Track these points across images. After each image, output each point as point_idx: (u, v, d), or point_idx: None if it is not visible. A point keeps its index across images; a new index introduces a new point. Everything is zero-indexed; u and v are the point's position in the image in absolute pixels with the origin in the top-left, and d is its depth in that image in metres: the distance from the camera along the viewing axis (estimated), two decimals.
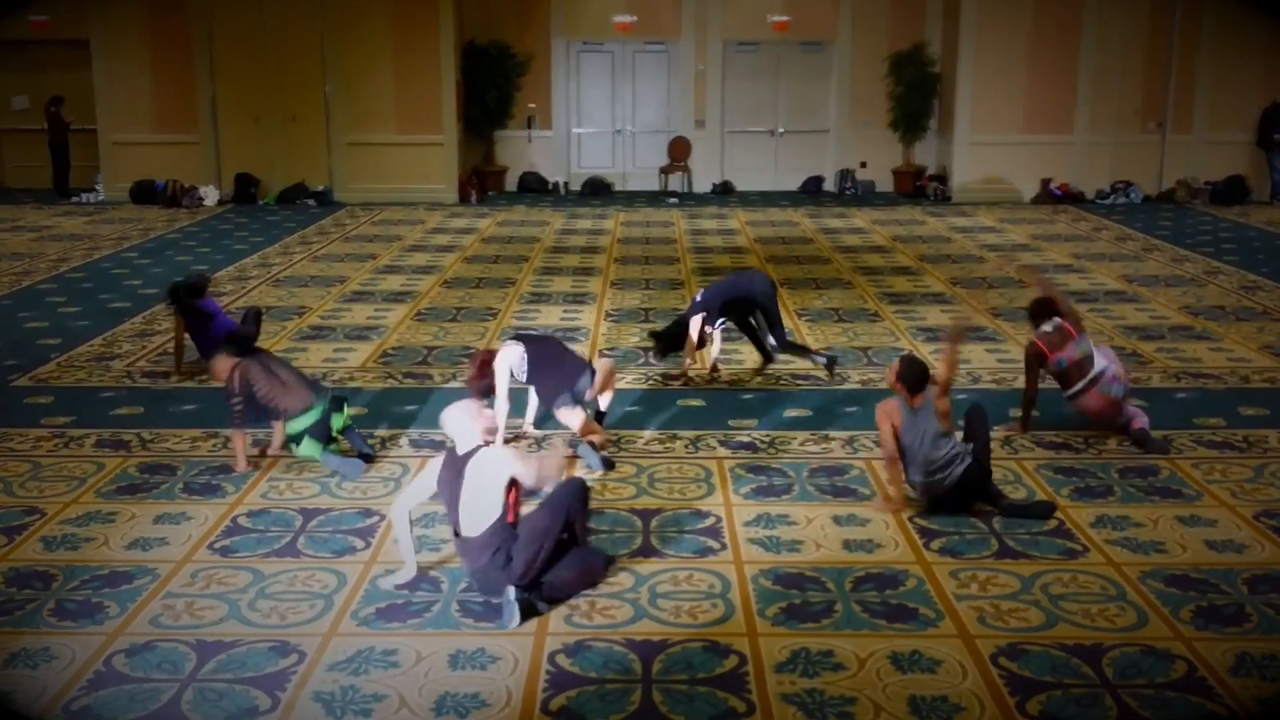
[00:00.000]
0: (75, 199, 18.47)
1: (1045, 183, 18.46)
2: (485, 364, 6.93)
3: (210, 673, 4.57)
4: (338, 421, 6.89)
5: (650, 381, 8.62)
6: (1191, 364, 9.01)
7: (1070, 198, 18.33)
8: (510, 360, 7.02)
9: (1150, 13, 18.32)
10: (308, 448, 6.76)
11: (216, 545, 5.75)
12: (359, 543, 5.77)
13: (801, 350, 8.90)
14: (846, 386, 8.47)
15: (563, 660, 4.68)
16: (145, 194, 18.18)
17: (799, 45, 19.72)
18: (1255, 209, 17.60)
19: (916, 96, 18.90)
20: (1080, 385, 7.15)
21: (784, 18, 19.38)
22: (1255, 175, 18.47)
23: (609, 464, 6.80)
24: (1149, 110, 18.61)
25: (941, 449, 6.04)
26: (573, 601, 5.16)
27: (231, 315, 9.35)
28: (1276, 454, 7.02)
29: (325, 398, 6.90)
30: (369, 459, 6.85)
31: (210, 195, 18.19)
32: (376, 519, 6.06)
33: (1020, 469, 6.78)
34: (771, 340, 8.72)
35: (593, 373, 7.09)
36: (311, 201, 18.01)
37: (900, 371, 6.14)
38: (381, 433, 7.37)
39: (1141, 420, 7.20)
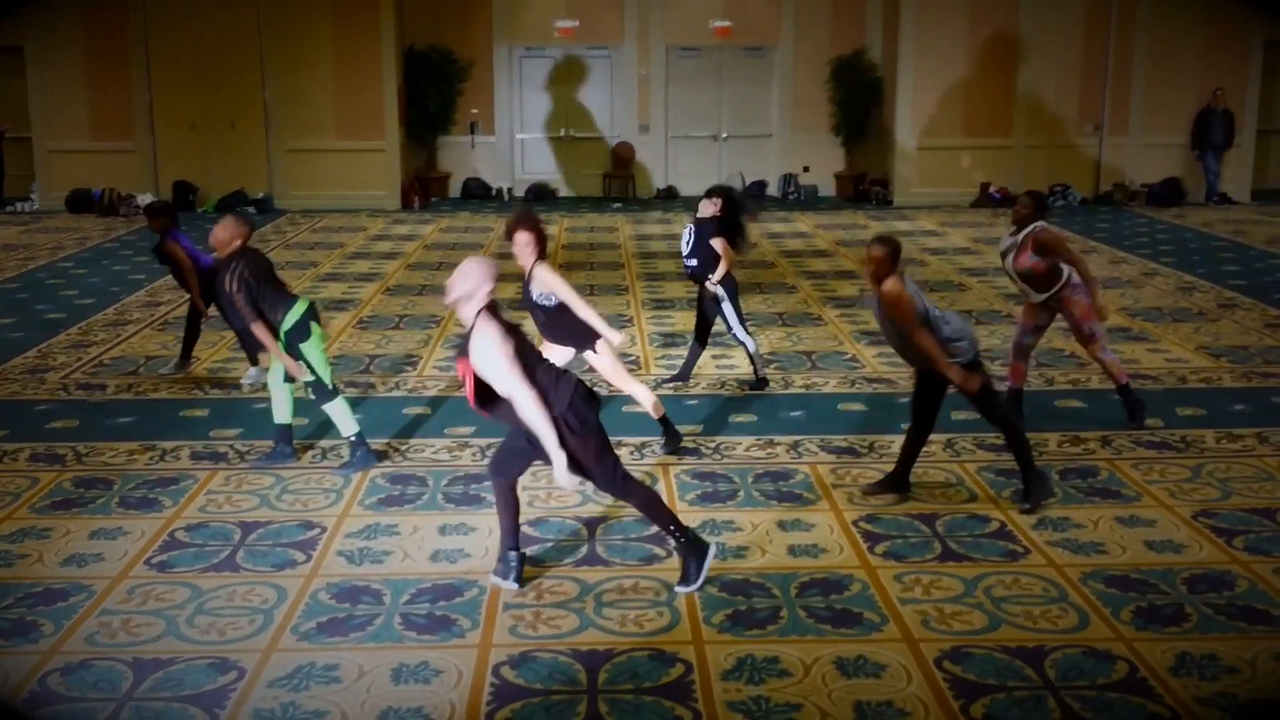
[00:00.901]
0: (9, 208, 18.15)
1: (984, 186, 18.66)
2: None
3: (147, 691, 4.48)
4: (317, 331, 6.81)
5: (594, 388, 8.56)
6: (1129, 365, 9.11)
7: (1009, 201, 18.48)
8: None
9: (1086, 18, 18.58)
10: (315, 342, 6.75)
11: (154, 560, 5.65)
12: (299, 556, 5.69)
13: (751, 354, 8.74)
14: (791, 391, 8.49)
15: (507, 672, 4.64)
16: (81, 203, 17.89)
17: (741, 50, 19.79)
18: (1191, 211, 17.90)
19: (858, 102, 19.03)
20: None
21: (726, 23, 19.44)
22: (1191, 177, 18.79)
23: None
24: (1086, 114, 18.88)
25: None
26: (517, 612, 5.13)
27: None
28: (1214, 454, 7.13)
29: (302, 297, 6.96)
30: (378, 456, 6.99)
31: (148, 203, 17.90)
32: (317, 531, 5.98)
33: (962, 471, 6.83)
34: (733, 329, 8.39)
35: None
36: (251, 209, 17.78)
37: (891, 251, 6.09)
38: (324, 443, 7.28)
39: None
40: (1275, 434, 7.46)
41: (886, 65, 18.91)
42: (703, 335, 8.58)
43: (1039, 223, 7.38)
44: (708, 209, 8.31)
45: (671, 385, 8.54)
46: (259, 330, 6.67)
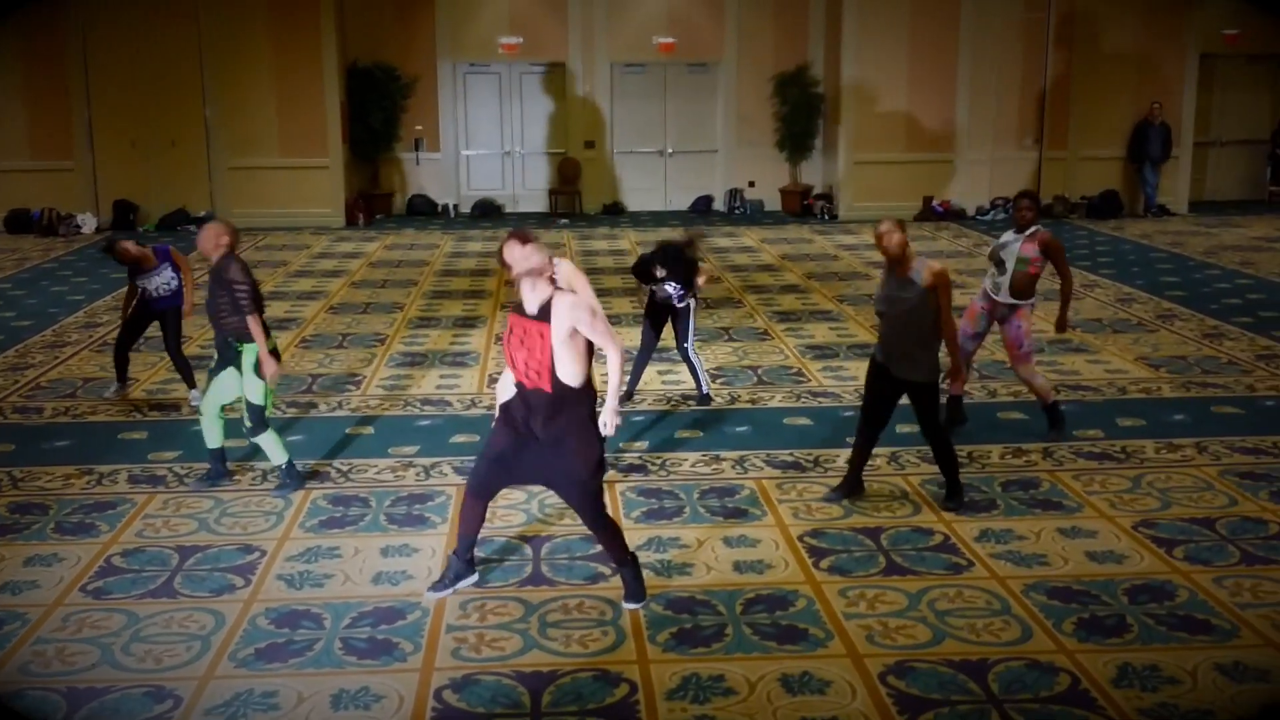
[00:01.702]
0: None
1: (927, 200, 18.83)
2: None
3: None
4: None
5: None
6: (1070, 376, 9.22)
7: (951, 214, 18.72)
8: None
9: (1024, 33, 18.82)
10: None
11: (89, 587, 5.53)
12: (238, 580, 5.59)
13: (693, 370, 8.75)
14: (737, 406, 8.49)
15: (449, 696, 4.58)
16: (20, 223, 17.59)
17: (685, 66, 19.85)
18: (1130, 222, 18.16)
19: (801, 116, 19.15)
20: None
21: (670, 39, 19.50)
22: (1129, 190, 19.08)
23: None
24: (1025, 128, 19.11)
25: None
26: (460, 634, 5.07)
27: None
28: (1154, 464, 7.21)
29: None
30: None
31: (88, 223, 17.67)
32: (257, 555, 5.89)
33: (906, 484, 6.86)
34: (689, 343, 8.47)
35: None
36: (193, 227, 17.52)
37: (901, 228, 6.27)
38: (265, 465, 7.18)
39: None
40: (1214, 443, 7.56)
41: (829, 80, 19.05)
42: (650, 348, 8.56)
43: (1039, 226, 7.55)
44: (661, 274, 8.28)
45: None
46: (255, 324, 6.65)
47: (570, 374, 5.10)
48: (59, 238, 17.05)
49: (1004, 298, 7.51)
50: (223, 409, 6.85)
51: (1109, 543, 6.04)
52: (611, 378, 5.26)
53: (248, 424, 6.73)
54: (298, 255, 15.46)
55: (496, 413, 5.52)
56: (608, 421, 5.23)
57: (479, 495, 5.38)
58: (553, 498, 6.66)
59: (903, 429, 7.88)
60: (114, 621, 5.18)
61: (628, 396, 8.51)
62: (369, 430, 7.96)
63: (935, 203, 18.80)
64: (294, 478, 6.80)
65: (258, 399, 6.70)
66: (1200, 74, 19.24)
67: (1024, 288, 7.48)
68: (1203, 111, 19.65)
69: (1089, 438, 7.67)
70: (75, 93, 17.76)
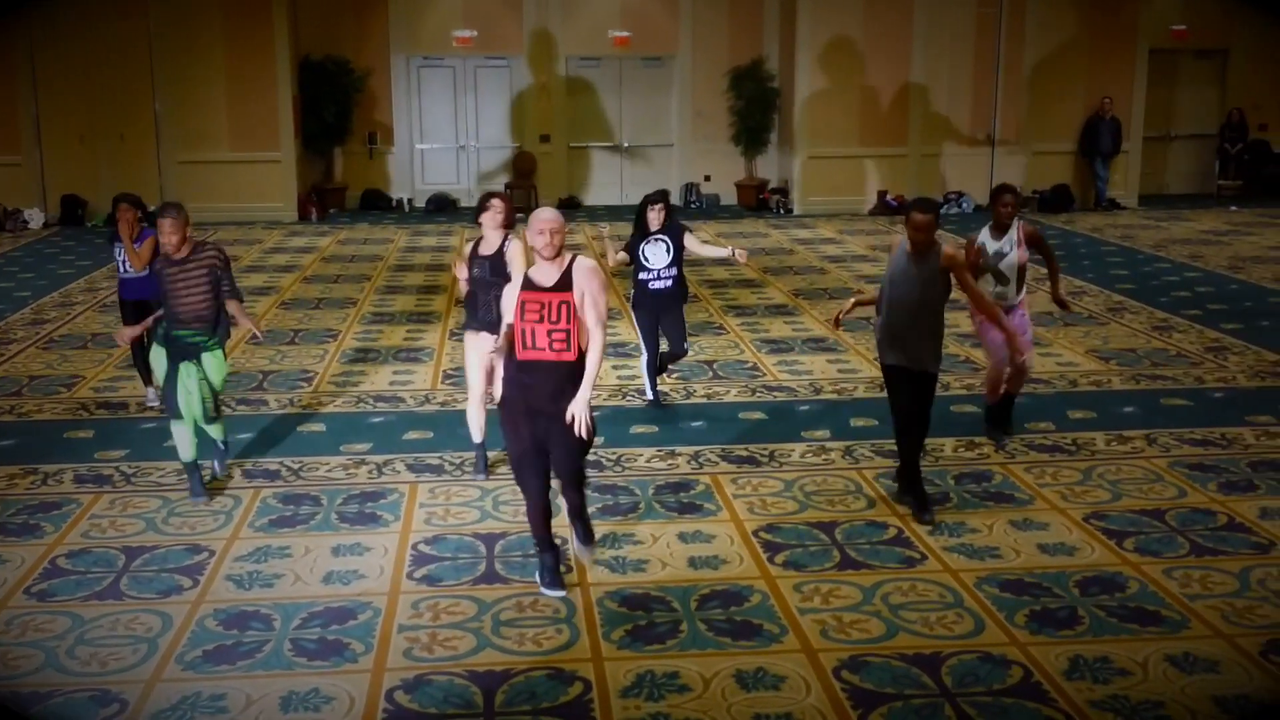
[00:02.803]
0: None
1: (881, 194, 18.92)
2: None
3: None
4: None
5: (495, 402, 8.47)
6: None
7: (905, 208, 18.75)
8: None
9: (976, 28, 18.93)
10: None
11: (34, 589, 5.43)
12: (186, 581, 5.51)
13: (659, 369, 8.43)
14: (692, 401, 8.47)
15: (401, 697, 4.53)
16: None
17: (640, 60, 19.81)
18: (1080, 216, 18.33)
19: (757, 111, 19.16)
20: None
21: (624, 33, 19.45)
22: (1079, 184, 19.26)
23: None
24: (978, 123, 19.24)
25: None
26: (412, 634, 5.02)
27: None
28: (1104, 456, 7.26)
29: None
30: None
31: (35, 218, 17.38)
32: (205, 555, 5.80)
33: (860, 478, 6.87)
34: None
35: None
36: (144, 222, 17.29)
37: (937, 214, 6.18)
38: (209, 462, 7.07)
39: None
40: (1163, 435, 7.64)
41: (784, 75, 19.08)
42: (657, 345, 8.24)
43: (1019, 220, 7.43)
44: (656, 218, 7.97)
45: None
46: (237, 307, 6.63)
47: (584, 341, 5.16)
48: (5, 233, 16.76)
49: (1012, 301, 7.27)
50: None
51: (1060, 535, 6.08)
52: (590, 367, 5.17)
53: (210, 413, 6.57)
54: (249, 250, 15.29)
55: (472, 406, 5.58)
56: (577, 415, 5.08)
57: (542, 500, 5.35)
58: (507, 494, 6.62)
59: (858, 423, 7.91)
60: (59, 624, 5.08)
61: (656, 404, 8.22)
62: (320, 427, 7.88)
63: (889, 197, 18.88)
64: (197, 479, 6.54)
65: (220, 385, 6.68)
66: (1150, 69, 19.44)
67: (1022, 282, 7.36)
68: (1152, 106, 19.85)
69: (1040, 430, 7.72)
70: (22, 86, 17.45)
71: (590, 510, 6.35)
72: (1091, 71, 19.10)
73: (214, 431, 6.72)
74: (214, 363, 6.60)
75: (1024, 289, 7.39)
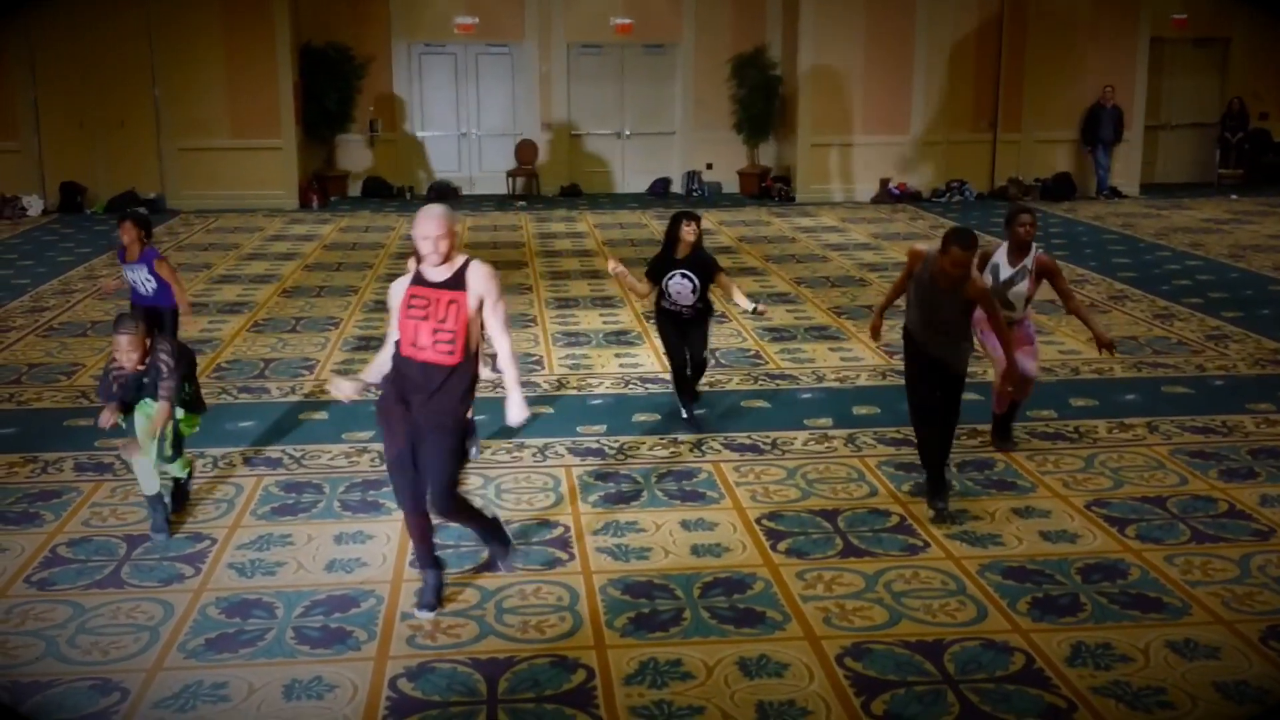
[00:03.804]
0: None
1: (884, 182, 18.89)
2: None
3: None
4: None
5: (497, 390, 8.48)
6: None
7: (908, 197, 18.78)
8: None
9: (978, 17, 18.89)
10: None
11: (34, 578, 5.42)
12: (188, 570, 5.50)
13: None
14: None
15: (405, 685, 4.53)
16: None
17: (642, 48, 19.77)
18: (1082, 204, 18.30)
19: (759, 99, 19.11)
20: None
21: (627, 20, 19.40)
22: (1081, 172, 19.22)
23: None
24: (980, 112, 19.20)
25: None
26: (415, 622, 5.02)
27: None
28: (1106, 444, 7.26)
29: None
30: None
31: (34, 205, 17.36)
32: (207, 543, 5.80)
33: (863, 466, 6.87)
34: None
35: None
36: (143, 209, 17.26)
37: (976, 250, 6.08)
38: (215, 451, 7.08)
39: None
40: (1165, 423, 7.63)
41: (786, 63, 19.03)
42: (684, 360, 7.57)
43: (1037, 246, 7.05)
44: (691, 233, 7.32)
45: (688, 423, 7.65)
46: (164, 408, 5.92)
47: (472, 347, 4.94)
48: (4, 220, 16.73)
49: (1017, 318, 7.00)
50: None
51: (1062, 522, 6.07)
52: (508, 371, 5.06)
53: (167, 451, 5.93)
54: (250, 238, 15.27)
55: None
56: (516, 414, 5.05)
57: (417, 509, 5.04)
58: (509, 481, 6.62)
59: (860, 410, 7.91)
60: (59, 613, 5.07)
61: (690, 423, 7.56)
62: (322, 415, 7.87)
63: (891, 185, 18.86)
64: (161, 516, 5.91)
65: (185, 429, 6.08)
66: (1150, 58, 19.39)
67: (1028, 303, 7.09)
68: (1153, 95, 19.82)
69: (1042, 418, 7.71)
70: (20, 72, 17.40)
71: (593, 498, 6.37)
72: (1093, 60, 19.06)
73: (175, 469, 6.12)
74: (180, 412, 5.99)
75: (1027, 308, 7.15)
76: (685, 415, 7.64)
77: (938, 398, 6.18)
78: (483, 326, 5.03)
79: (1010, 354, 6.31)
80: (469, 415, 5.10)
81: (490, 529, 5.34)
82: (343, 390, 5.10)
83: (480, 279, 4.90)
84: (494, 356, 5.31)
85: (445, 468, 4.94)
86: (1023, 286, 6.94)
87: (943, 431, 6.24)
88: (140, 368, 5.76)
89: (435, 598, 5.12)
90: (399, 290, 4.99)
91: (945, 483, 6.24)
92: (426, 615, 5.06)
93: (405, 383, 4.92)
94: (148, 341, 5.78)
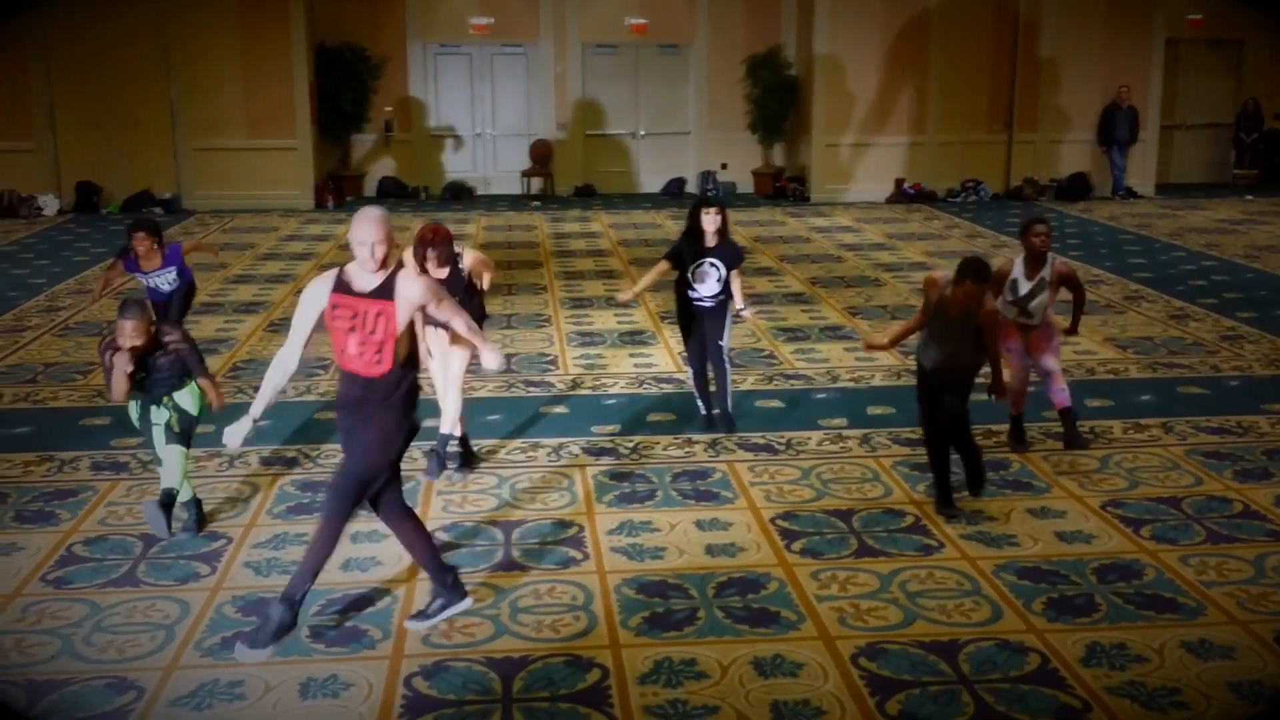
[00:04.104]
0: None
1: (899, 182, 18.85)
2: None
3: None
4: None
5: (512, 390, 8.50)
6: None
7: (923, 197, 18.74)
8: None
9: (994, 16, 18.85)
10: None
11: (50, 577, 5.45)
12: (204, 568, 5.53)
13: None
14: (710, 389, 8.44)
15: (420, 684, 4.54)
16: None
17: (657, 48, 19.76)
18: (1098, 205, 18.24)
19: (773, 99, 19.09)
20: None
21: (641, 20, 19.40)
22: (1097, 172, 19.15)
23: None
24: (995, 111, 19.15)
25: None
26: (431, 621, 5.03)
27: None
28: (1121, 444, 7.24)
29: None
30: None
31: (50, 205, 17.43)
32: (223, 542, 5.82)
33: (878, 466, 6.86)
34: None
35: None
36: (159, 209, 17.36)
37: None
38: (230, 450, 7.09)
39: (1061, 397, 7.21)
40: (1180, 423, 7.60)
41: (801, 62, 19.01)
42: (704, 356, 7.49)
43: (1053, 255, 7.03)
44: (712, 223, 7.21)
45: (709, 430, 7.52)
46: (207, 384, 6.04)
47: (402, 356, 4.70)
48: (19, 220, 16.81)
49: (1036, 322, 7.03)
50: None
51: (1077, 523, 6.06)
52: (471, 335, 5.03)
53: (175, 429, 5.90)
54: (266, 238, 15.32)
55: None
56: (491, 360, 5.01)
57: (334, 539, 4.79)
58: (524, 481, 6.63)
59: (875, 410, 7.90)
60: (75, 612, 5.10)
61: (709, 422, 7.50)
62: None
63: (906, 185, 18.82)
64: (161, 517, 5.85)
65: (192, 406, 5.98)
66: (1165, 58, 19.32)
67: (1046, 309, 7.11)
68: (1168, 95, 19.75)
69: (1057, 419, 7.66)
70: (35, 71, 17.48)
71: (608, 498, 6.38)
72: (1108, 60, 18.99)
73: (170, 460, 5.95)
74: (188, 396, 5.96)
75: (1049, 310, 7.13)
76: (704, 412, 7.57)
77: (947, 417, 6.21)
78: (423, 325, 4.84)
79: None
80: (416, 425, 4.86)
81: (317, 565, 4.78)
82: (235, 440, 4.88)
83: (412, 288, 4.64)
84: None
85: (354, 462, 4.75)
86: (1043, 298, 6.94)
87: (959, 449, 6.25)
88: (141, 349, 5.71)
89: (273, 638, 4.69)
90: (318, 295, 4.72)
91: (950, 486, 6.26)
92: (258, 656, 4.66)
93: (341, 390, 4.80)
94: (153, 329, 5.78)
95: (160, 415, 5.91)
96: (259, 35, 17.54)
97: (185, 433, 5.95)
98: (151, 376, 5.86)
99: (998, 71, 18.96)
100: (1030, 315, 7.00)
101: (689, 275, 7.25)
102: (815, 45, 18.42)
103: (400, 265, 4.84)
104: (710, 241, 7.22)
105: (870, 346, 6.97)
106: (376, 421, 4.71)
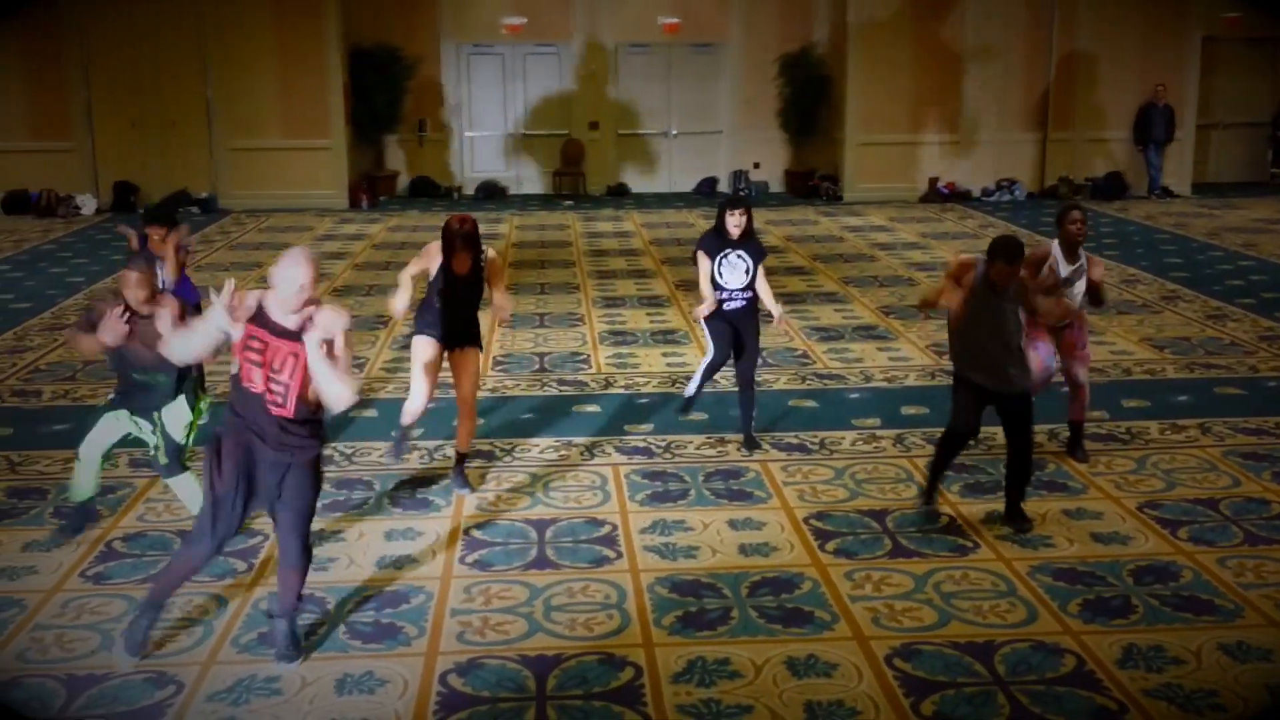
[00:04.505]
0: None
1: (933, 181, 18.77)
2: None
3: (81, 709, 4.37)
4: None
5: (545, 388, 8.52)
6: None
7: (957, 196, 18.65)
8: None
9: (1029, 14, 18.72)
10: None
11: (89, 573, 5.51)
12: (241, 565, 5.58)
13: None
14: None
15: (454, 680, 4.57)
16: (18, 204, 17.55)
17: (690, 47, 19.76)
18: (1134, 204, 18.09)
19: (806, 98, 19.05)
20: None
21: (674, 19, 19.40)
22: (1133, 171, 19.00)
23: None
24: (1030, 110, 19.03)
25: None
26: (465, 618, 5.05)
27: None
28: (1158, 445, 7.18)
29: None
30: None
31: (88, 204, 17.62)
32: (260, 539, 5.86)
33: (911, 466, 6.83)
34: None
35: None
36: (195, 209, 17.51)
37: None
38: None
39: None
40: (1217, 424, 7.53)
41: (834, 61, 18.95)
42: (726, 357, 7.30)
43: (1088, 253, 6.92)
44: (737, 225, 7.09)
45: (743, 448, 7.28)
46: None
47: (310, 399, 4.55)
48: (58, 219, 17.00)
49: (1074, 319, 6.90)
50: (108, 453, 5.93)
51: (1114, 524, 6.02)
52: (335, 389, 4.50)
53: (163, 461, 5.80)
54: (301, 237, 15.42)
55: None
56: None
57: (207, 556, 4.70)
58: (556, 479, 6.65)
59: (909, 410, 7.87)
60: (114, 607, 5.15)
61: (688, 407, 7.51)
62: (372, 413, 7.94)
63: (940, 184, 18.73)
64: (80, 518, 5.88)
65: (179, 434, 5.80)
66: (1202, 57, 19.13)
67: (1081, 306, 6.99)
68: (1204, 94, 19.55)
69: (1094, 419, 7.62)
70: (74, 72, 17.69)
71: (640, 496, 6.39)
72: (1144, 58, 18.82)
73: (180, 489, 5.93)
74: (175, 411, 5.80)
75: (1083, 307, 6.99)
76: (690, 394, 7.40)
77: (978, 423, 6.09)
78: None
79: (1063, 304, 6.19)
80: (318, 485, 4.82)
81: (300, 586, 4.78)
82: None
83: (328, 321, 4.45)
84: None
85: (298, 513, 4.67)
86: (1080, 287, 6.84)
87: (1015, 460, 6.04)
88: (147, 309, 5.57)
89: (138, 645, 4.67)
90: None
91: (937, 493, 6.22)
92: (128, 659, 4.62)
93: (247, 422, 4.56)
94: (157, 288, 5.68)
95: (145, 433, 5.77)
96: (295, 36, 17.67)
97: (175, 459, 5.78)
98: (133, 378, 5.67)
99: (1033, 69, 18.84)
100: (1072, 304, 6.83)
101: (717, 269, 7.12)
102: (849, 43, 18.35)
103: (321, 305, 4.53)
104: (735, 237, 7.10)
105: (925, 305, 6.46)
106: (300, 448, 4.61)
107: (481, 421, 7.69)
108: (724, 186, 19.87)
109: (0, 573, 5.50)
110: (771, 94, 19.31)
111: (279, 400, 4.50)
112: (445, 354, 6.62)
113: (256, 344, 4.46)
